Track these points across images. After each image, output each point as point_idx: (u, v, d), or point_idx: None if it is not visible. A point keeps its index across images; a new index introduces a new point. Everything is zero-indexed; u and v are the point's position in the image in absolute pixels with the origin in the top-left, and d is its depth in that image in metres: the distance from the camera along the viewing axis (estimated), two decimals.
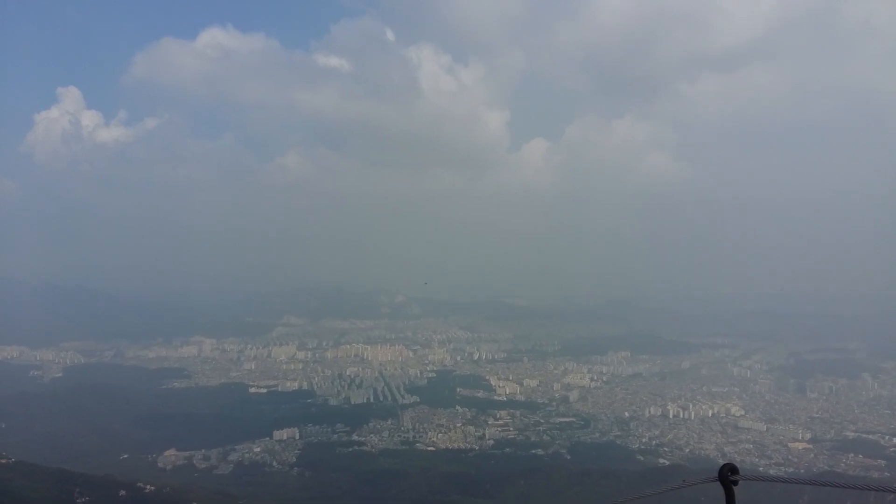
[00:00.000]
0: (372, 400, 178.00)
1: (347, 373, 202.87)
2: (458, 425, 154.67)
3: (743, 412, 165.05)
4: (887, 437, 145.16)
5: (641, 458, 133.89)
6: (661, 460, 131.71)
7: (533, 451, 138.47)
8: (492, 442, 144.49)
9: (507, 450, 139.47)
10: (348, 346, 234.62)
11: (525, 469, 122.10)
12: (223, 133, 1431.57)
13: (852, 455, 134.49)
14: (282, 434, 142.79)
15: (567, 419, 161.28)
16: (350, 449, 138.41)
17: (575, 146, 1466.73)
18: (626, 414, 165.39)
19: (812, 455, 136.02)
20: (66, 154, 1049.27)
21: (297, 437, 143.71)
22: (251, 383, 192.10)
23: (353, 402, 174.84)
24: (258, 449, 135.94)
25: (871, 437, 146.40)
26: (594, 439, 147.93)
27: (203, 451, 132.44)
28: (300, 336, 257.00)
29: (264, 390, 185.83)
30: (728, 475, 5.72)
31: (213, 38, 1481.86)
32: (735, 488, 5.80)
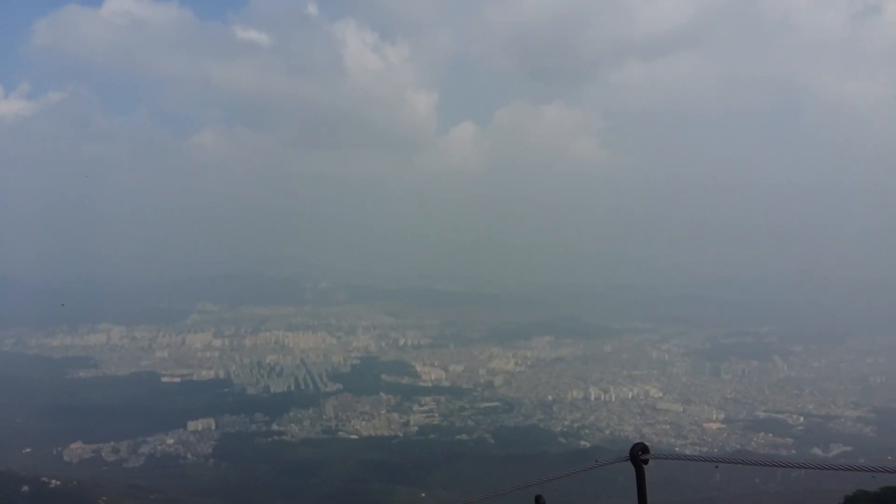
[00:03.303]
0: (293, 388, 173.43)
1: (267, 360, 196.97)
2: (382, 412, 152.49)
3: (661, 394, 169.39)
4: (795, 417, 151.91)
5: (563, 441, 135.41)
6: (583, 442, 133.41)
7: (457, 437, 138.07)
8: (416, 428, 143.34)
9: (432, 436, 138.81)
10: (268, 333, 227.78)
11: (449, 455, 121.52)
12: (134, 108, 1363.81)
13: (763, 434, 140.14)
14: (197, 425, 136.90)
15: (492, 404, 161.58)
16: (269, 439, 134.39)
17: (504, 130, 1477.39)
18: (550, 397, 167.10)
19: (725, 434, 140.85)
20: None
21: (213, 427, 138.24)
22: (163, 372, 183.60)
23: (272, 391, 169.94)
24: (171, 440, 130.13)
25: (780, 416, 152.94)
26: (518, 423, 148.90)
27: (112, 443, 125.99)
28: (217, 323, 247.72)
29: (178, 379, 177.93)
30: (639, 454, 5.58)
31: (122, 5, 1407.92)
32: (646, 467, 5.74)
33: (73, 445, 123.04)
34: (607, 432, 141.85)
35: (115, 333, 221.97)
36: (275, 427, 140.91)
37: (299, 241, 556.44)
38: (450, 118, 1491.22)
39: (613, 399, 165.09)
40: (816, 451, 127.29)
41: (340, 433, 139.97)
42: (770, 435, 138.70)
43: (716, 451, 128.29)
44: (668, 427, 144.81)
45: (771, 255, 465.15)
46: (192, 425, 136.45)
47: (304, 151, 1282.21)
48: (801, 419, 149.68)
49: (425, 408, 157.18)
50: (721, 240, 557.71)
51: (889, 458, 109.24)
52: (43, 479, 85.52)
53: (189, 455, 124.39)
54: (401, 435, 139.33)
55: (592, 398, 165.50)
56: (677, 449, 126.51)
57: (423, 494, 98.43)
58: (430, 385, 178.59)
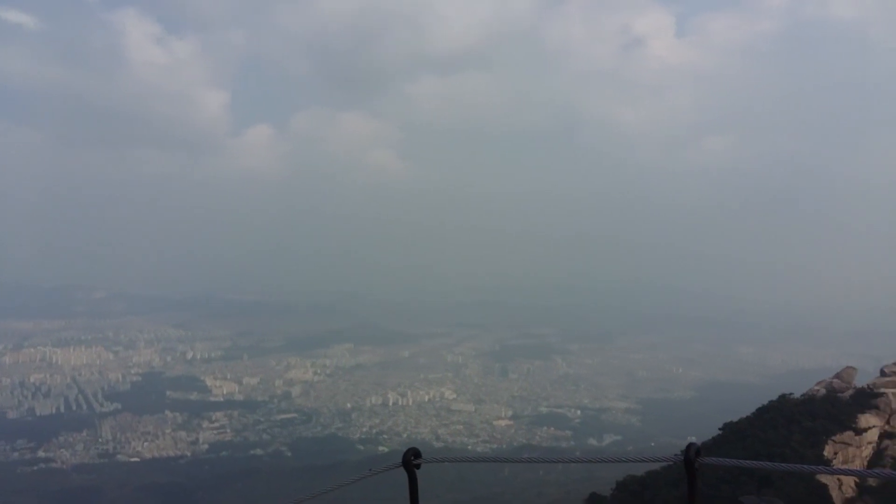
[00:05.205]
0: (62, 410, 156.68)
1: (31, 380, 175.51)
2: (168, 431, 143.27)
3: (455, 395, 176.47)
4: (573, 410, 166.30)
5: (362, 448, 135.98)
6: (381, 447, 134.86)
7: (252, 452, 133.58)
8: (206, 446, 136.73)
9: (224, 453, 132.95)
10: (32, 350, 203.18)
11: (242, 471, 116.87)
12: None
13: (546, 428, 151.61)
14: None
15: (289, 415, 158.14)
16: (35, 467, 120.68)
17: (302, 135, 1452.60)
18: (349, 405, 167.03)
19: (513, 430, 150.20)
20: None
21: None
22: None
23: (38, 414, 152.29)
24: None
25: (560, 410, 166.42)
26: (316, 433, 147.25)
27: None
28: None
29: None
30: (411, 460, 5.55)
31: None
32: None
33: None
34: (405, 436, 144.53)
35: None
36: (41, 454, 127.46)
37: (70, 248, 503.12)
38: (243, 120, 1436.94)
39: (411, 403, 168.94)
40: (592, 441, 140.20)
41: (119, 456, 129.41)
42: (552, 428, 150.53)
43: (504, 446, 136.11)
44: (462, 427, 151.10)
45: (550, 261, 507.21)
46: None
47: (78, 149, 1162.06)
48: (579, 412, 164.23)
49: (216, 424, 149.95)
50: (508, 248, 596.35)
51: (652, 444, 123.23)
52: None
53: None
54: (189, 454, 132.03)
55: (391, 403, 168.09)
56: (469, 447, 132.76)
57: None
58: (221, 399, 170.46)
